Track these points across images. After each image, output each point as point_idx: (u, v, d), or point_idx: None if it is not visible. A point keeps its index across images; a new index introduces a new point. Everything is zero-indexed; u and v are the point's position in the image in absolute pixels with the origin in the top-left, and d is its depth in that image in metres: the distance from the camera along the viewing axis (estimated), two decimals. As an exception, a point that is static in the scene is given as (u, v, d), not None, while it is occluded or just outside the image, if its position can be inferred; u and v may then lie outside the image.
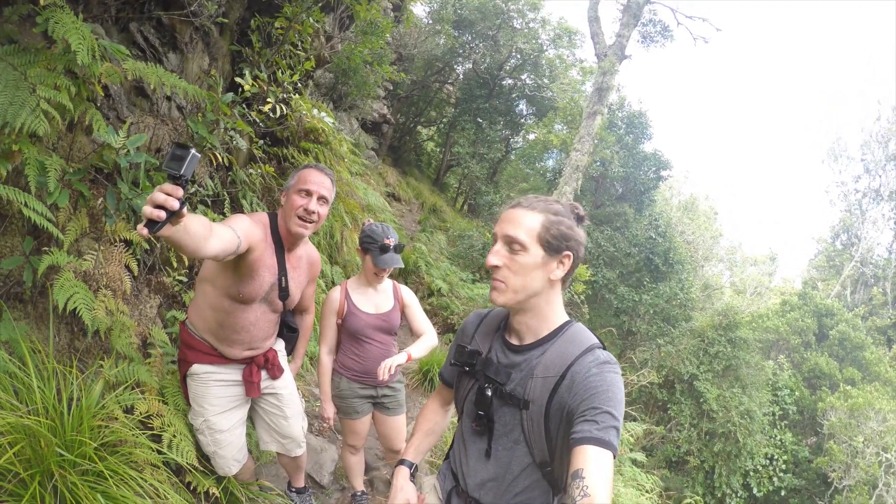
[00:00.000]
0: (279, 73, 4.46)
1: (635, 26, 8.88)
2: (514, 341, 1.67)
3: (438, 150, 22.08)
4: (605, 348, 1.59)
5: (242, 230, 2.22)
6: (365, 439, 3.43)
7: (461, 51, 16.64)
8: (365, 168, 11.25)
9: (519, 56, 16.50)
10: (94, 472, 2.18)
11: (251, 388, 2.69)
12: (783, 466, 13.35)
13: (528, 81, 17.13)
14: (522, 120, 18.99)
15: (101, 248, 2.94)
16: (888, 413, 13.05)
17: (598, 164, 14.67)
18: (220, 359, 2.62)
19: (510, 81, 17.59)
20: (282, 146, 5.24)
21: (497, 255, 1.54)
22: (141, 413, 2.61)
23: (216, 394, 2.64)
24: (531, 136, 19.23)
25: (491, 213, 15.60)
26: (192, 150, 1.33)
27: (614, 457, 1.32)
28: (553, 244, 1.53)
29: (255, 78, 4.29)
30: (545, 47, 16.60)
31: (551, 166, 17.73)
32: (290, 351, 3.04)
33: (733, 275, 27.58)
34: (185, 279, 3.88)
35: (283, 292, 2.57)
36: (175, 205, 1.31)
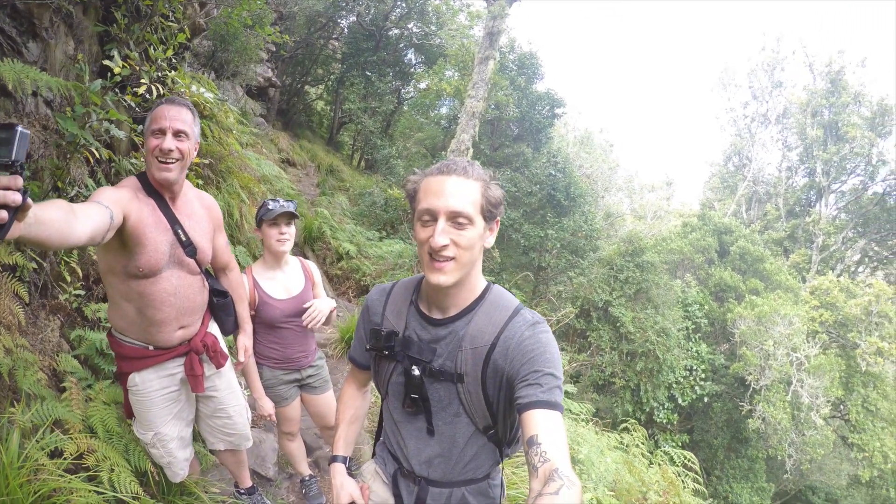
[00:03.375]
0: (151, 50, 3.99)
1: None
2: (437, 315, 1.59)
3: (329, 108, 21.32)
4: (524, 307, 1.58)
5: (110, 199, 1.97)
6: (299, 423, 3.37)
7: (344, 3, 15.92)
8: (255, 137, 10.66)
9: (404, 5, 16.00)
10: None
11: (196, 382, 2.49)
12: (702, 375, 14.39)
13: (415, 30, 16.69)
14: (412, 69, 18.60)
15: (-17, 279, 2.57)
16: (793, 317, 14.20)
17: (493, 107, 14.67)
18: (156, 356, 2.41)
19: (397, 31, 17.08)
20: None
21: (445, 234, 1.42)
22: (71, 454, 2.35)
23: (161, 404, 2.48)
24: (422, 86, 18.91)
25: (389, 166, 15.29)
26: (19, 128, 1.09)
27: (562, 415, 1.34)
28: (490, 212, 1.48)
29: (125, 58, 3.82)
30: (431, -6, 16.19)
31: (445, 114, 17.59)
32: (233, 323, 2.75)
33: (633, 202, 28.98)
34: (82, 292, 3.52)
35: (189, 247, 2.33)
36: (17, 198, 1.07)
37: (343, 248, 9.85)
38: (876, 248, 23.46)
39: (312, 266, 3.23)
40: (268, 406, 3.03)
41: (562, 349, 10.78)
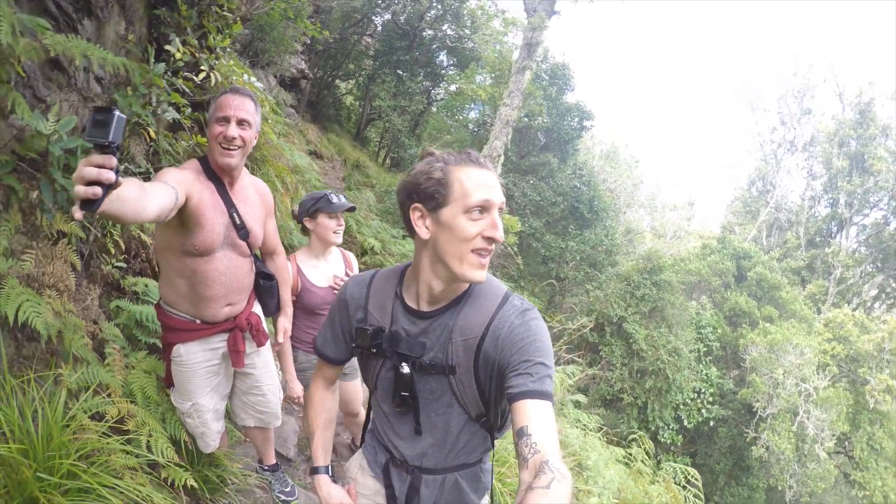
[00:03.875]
0: (211, 38, 4.13)
1: None
2: (425, 307, 1.55)
3: (358, 104, 21.45)
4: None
5: (175, 180, 2.08)
6: None
7: (380, 1, 16.05)
8: (287, 127, 10.79)
9: (440, 6, 16.09)
10: (76, 488, 2.06)
11: (237, 358, 2.61)
12: (710, 399, 14.38)
13: (448, 32, 16.77)
14: (443, 71, 18.69)
15: (39, 245, 2.69)
16: (804, 347, 14.17)
17: (524, 116, 14.73)
18: (202, 330, 2.53)
19: (430, 32, 17.17)
20: (203, 111, 4.93)
21: (501, 227, 1.41)
22: (112, 417, 2.46)
23: (202, 375, 2.61)
24: (453, 88, 18.99)
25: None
26: (117, 112, 1.15)
27: (553, 406, 1.34)
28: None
29: (184, 44, 3.95)
30: (467, -2, 16.27)
31: (473, 118, 17.65)
32: (275, 305, 2.85)
33: (653, 220, 28.85)
34: (124, 265, 3.65)
35: (242, 230, 2.45)
36: (111, 177, 1.14)
37: (368, 243, 9.95)
38: (894, 285, 23.19)
39: (352, 257, 3.39)
40: (298, 389, 3.12)
41: (572, 361, 10.77)
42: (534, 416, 1.28)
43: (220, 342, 2.61)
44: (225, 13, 4.34)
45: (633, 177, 24.41)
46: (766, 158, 27.60)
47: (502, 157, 9.14)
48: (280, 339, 2.87)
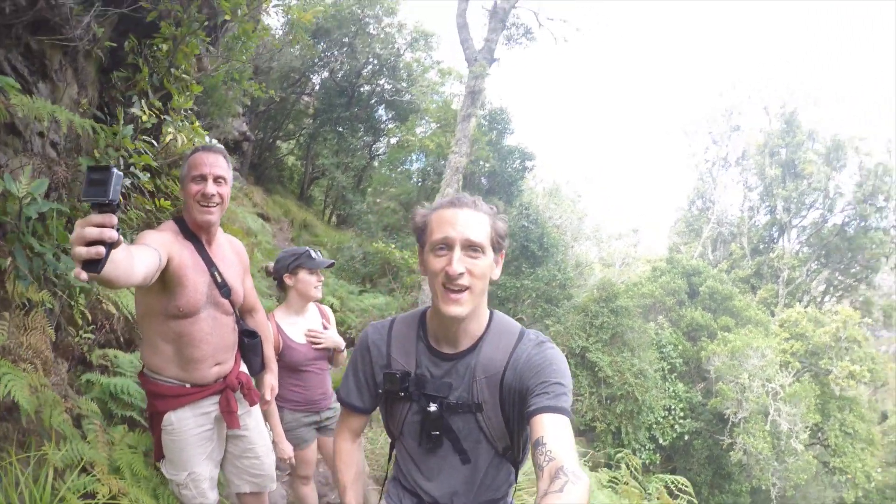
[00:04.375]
0: (175, 100, 4.08)
1: (502, 30, 9.24)
2: (447, 349, 1.61)
3: (300, 163, 21.44)
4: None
5: (156, 242, 2.07)
6: (314, 467, 3.41)
7: (317, 60, 16.25)
8: (234, 190, 10.67)
9: (376, 61, 16.41)
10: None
11: (232, 419, 2.52)
12: (681, 413, 14.49)
13: (386, 86, 17.10)
14: (383, 125, 18.96)
15: (11, 315, 2.52)
16: (765, 349, 14.66)
17: (471, 162, 15.03)
18: (192, 394, 2.44)
19: (368, 88, 17.47)
20: (154, 177, 4.81)
21: (461, 262, 1.46)
22: (104, 496, 2.29)
23: (196, 443, 2.48)
24: (393, 141, 19.25)
25: (362, 222, 15.47)
26: (114, 170, 1.13)
27: (571, 421, 1.38)
28: (498, 243, 1.55)
29: (150, 107, 3.89)
30: (402, 51, 16.64)
31: (417, 169, 17.86)
32: (260, 363, 2.78)
33: (601, 250, 29.56)
34: (92, 336, 3.47)
35: (224, 288, 2.42)
36: (114, 235, 1.14)
37: (327, 300, 9.82)
38: (840, 277, 24.49)
39: (328, 310, 3.40)
40: (288, 449, 3.04)
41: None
42: (549, 427, 1.32)
43: (211, 405, 2.52)
44: (183, 75, 4.31)
45: (577, 211, 25.03)
46: (702, 177, 28.80)
47: None
48: (268, 397, 2.78)
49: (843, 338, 16.41)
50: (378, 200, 18.01)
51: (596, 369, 13.32)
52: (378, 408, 1.78)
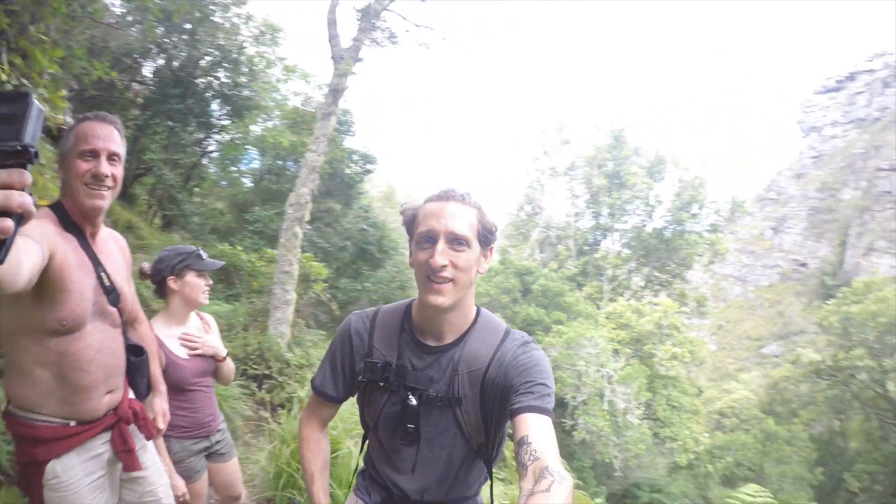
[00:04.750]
0: (40, 60, 3.64)
1: (370, 31, 9.30)
2: (432, 342, 1.62)
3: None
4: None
5: (37, 232, 1.63)
6: (206, 500, 2.98)
7: (154, 46, 15.00)
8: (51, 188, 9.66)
9: (218, 52, 15.55)
10: None
11: (131, 459, 2.05)
12: None
13: (224, 79, 16.29)
14: (216, 120, 18.07)
15: None
16: (597, 338, 16.26)
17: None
18: (80, 434, 1.94)
19: (205, 80, 16.53)
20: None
21: (444, 255, 1.47)
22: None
23: (87, 496, 1.96)
24: (227, 138, 18.39)
25: (191, 223, 14.68)
26: (32, 100, 0.77)
27: (553, 423, 1.41)
28: (486, 238, 1.56)
29: (10, 64, 3.41)
30: (247, 44, 15.94)
31: (256, 167, 17.28)
32: (146, 385, 2.29)
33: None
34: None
35: (112, 293, 1.95)
36: (28, 202, 0.76)
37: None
38: (657, 274, 27.72)
39: (210, 318, 2.99)
40: (181, 485, 2.60)
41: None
42: (534, 427, 1.33)
43: (102, 445, 2.02)
44: (41, 36, 3.85)
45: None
46: (532, 185, 31.37)
47: (310, 204, 9.18)
48: (162, 426, 2.31)
49: (665, 325, 18.80)
50: (205, 201, 17.14)
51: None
52: (356, 398, 1.76)
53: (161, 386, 2.37)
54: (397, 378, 1.60)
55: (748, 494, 3.46)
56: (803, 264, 65.65)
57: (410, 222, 1.57)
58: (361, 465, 1.87)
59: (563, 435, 16.09)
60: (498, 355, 1.56)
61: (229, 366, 2.93)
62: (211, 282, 2.82)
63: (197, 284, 2.73)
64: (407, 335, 1.65)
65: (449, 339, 1.61)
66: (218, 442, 2.91)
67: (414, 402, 1.56)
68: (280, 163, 14.65)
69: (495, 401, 1.54)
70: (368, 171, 16.32)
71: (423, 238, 1.51)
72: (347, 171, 15.61)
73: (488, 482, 1.76)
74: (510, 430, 1.46)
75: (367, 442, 1.83)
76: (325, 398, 1.76)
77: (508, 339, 1.60)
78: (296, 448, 4.28)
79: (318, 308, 11.42)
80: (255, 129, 16.17)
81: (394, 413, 1.61)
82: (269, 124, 16.47)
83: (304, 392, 6.52)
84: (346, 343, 1.71)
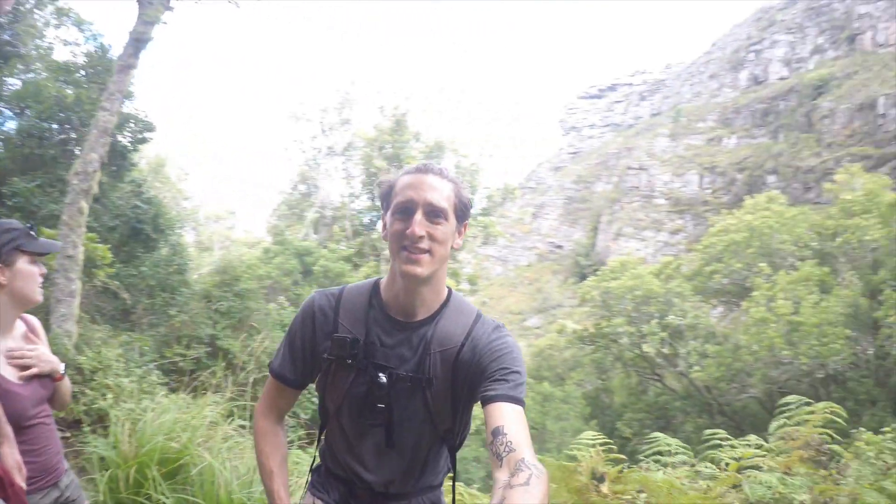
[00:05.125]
0: None
1: None
2: (400, 317, 1.56)
3: None
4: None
5: None
6: None
7: None
8: None
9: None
10: None
11: None
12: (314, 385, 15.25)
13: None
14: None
15: None
16: None
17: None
18: None
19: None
20: None
21: (422, 225, 1.44)
22: None
23: None
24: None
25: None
26: None
27: (524, 410, 1.41)
28: (462, 212, 1.54)
29: None
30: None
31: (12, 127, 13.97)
32: None
33: (199, 233, 28.38)
34: None
35: None
36: None
37: None
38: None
39: (34, 320, 2.18)
40: None
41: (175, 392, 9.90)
42: (509, 417, 1.32)
43: None
44: None
45: (182, 191, 23.50)
46: (308, 163, 30.65)
47: (98, 173, 7.73)
48: (20, 482, 1.82)
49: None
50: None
51: (230, 356, 12.92)
52: (315, 384, 1.65)
53: (6, 428, 1.82)
54: (365, 355, 1.53)
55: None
56: (559, 246, 75.91)
57: (387, 193, 1.54)
58: (318, 461, 1.76)
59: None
60: (472, 337, 1.53)
61: (67, 385, 2.19)
62: (45, 270, 2.05)
63: (31, 274, 1.97)
64: (376, 311, 1.58)
65: (421, 315, 1.56)
66: (68, 486, 2.17)
67: (384, 379, 1.50)
68: (45, 124, 12.07)
69: (465, 383, 1.52)
70: (143, 140, 14.29)
71: (400, 208, 1.48)
72: (120, 138, 13.52)
73: (450, 473, 1.74)
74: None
75: (322, 435, 1.72)
76: (285, 382, 1.64)
77: (481, 322, 1.58)
78: (139, 472, 3.71)
79: (101, 299, 9.85)
80: (14, 82, 12.97)
81: (360, 394, 1.53)
82: (31, 76, 13.38)
83: (107, 402, 5.69)
84: (307, 321, 1.61)
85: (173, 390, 7.27)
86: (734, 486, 2.58)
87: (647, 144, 68.70)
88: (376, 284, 1.63)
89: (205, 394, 6.19)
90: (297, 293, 19.00)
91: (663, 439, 3.43)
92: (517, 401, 1.37)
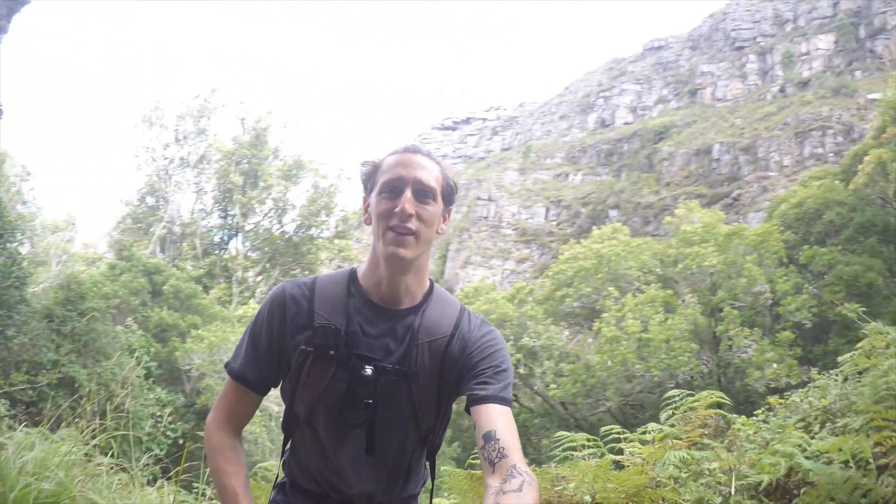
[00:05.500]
0: None
1: None
2: (385, 306, 1.47)
3: None
4: None
5: None
6: None
7: None
8: None
9: None
10: None
11: None
12: (170, 419, 14.11)
13: None
14: None
15: None
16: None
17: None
18: None
19: None
20: None
21: (411, 203, 1.37)
22: None
23: None
24: None
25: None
26: None
27: (511, 411, 1.38)
28: (448, 196, 1.49)
29: None
30: None
31: None
32: None
33: (34, 245, 25.35)
34: None
35: None
36: None
37: None
38: (281, 279, 28.06)
39: None
40: None
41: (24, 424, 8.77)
42: (500, 421, 1.28)
43: None
44: None
45: (20, 192, 20.90)
46: (158, 173, 28.28)
47: None
48: None
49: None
50: None
51: (76, 385, 11.68)
52: (280, 388, 1.51)
53: None
54: (347, 347, 1.40)
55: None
56: (410, 273, 76.97)
57: (371, 173, 1.47)
58: (281, 475, 1.62)
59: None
60: (460, 329, 1.46)
61: None
62: None
63: None
64: (356, 299, 1.46)
65: (405, 304, 1.46)
66: None
67: (369, 372, 1.37)
68: None
69: (452, 377, 1.44)
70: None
71: (388, 186, 1.41)
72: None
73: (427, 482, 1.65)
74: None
75: (287, 446, 1.59)
76: (247, 385, 1.48)
77: (467, 314, 1.51)
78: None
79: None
80: None
81: (340, 391, 1.40)
82: None
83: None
84: (276, 312, 1.46)
85: (22, 423, 6.64)
86: (654, 462, 2.77)
87: (497, 177, 71.33)
88: (353, 272, 1.52)
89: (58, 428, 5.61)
90: (146, 315, 17.72)
91: (569, 436, 3.55)
92: (507, 402, 1.34)
